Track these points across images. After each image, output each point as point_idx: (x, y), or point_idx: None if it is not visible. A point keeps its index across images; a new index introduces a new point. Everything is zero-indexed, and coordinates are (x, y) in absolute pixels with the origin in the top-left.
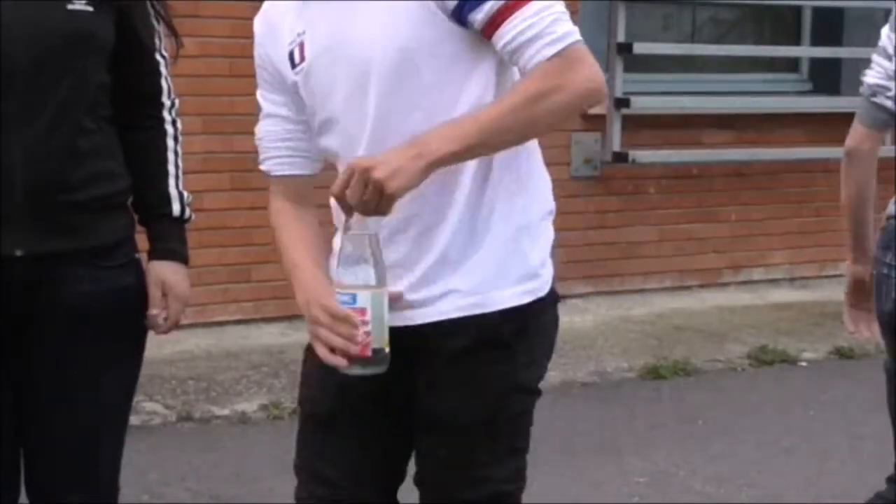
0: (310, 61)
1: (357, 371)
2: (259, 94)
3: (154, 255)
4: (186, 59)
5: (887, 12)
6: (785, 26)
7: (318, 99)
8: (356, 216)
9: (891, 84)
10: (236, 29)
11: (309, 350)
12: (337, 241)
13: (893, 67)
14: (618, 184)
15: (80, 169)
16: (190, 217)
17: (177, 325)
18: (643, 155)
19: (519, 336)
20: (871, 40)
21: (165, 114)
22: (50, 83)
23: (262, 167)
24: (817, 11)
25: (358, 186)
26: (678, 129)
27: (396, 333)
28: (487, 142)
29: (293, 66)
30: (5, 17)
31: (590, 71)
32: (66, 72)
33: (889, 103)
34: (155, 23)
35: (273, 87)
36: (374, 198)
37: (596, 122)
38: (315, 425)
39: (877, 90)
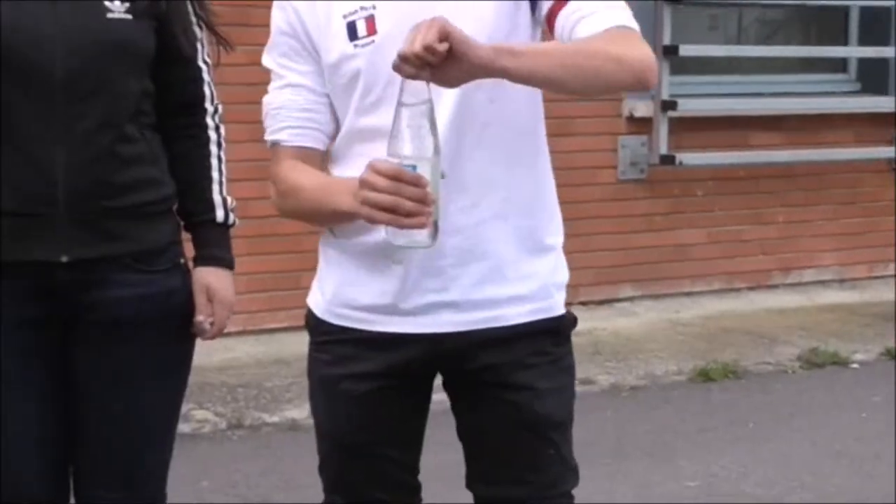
0: (383, 36)
1: (420, 242)
2: (275, 62)
3: (199, 261)
4: (234, 68)
5: None
6: (832, 26)
7: (381, 76)
8: (410, 84)
9: None
10: None
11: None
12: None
13: None
14: (665, 186)
15: (123, 175)
16: (234, 222)
17: (223, 331)
18: (690, 157)
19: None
20: None
21: (208, 120)
22: (90, 92)
23: (273, 136)
24: (865, 11)
25: (430, 32)
26: (725, 130)
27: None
28: (557, 79)
29: (353, 37)
30: (46, 27)
31: (650, 53)
32: (107, 80)
33: None
34: (197, 29)
35: (301, 57)
36: (439, 56)
37: (642, 125)
38: (342, 451)
39: None
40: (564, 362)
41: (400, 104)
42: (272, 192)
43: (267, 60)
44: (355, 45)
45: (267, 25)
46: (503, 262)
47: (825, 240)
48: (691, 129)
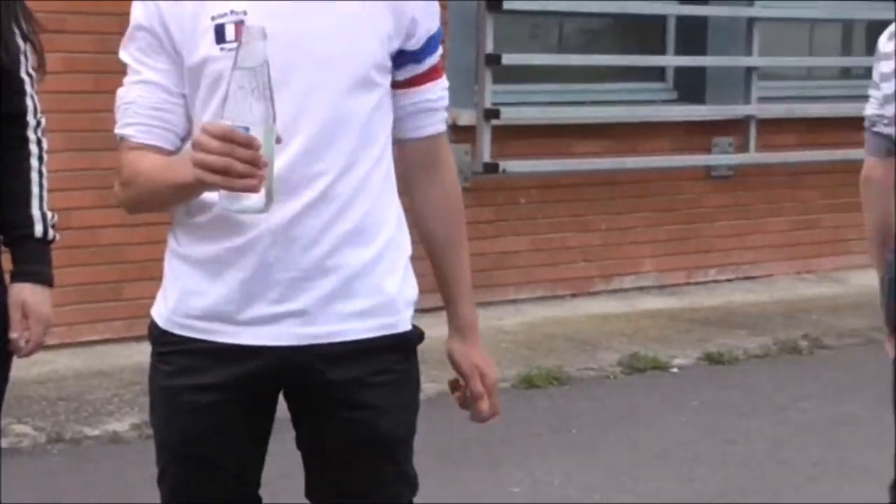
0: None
1: (252, 206)
2: (131, 57)
3: (15, 277)
4: (51, 76)
5: (749, 20)
6: (650, 36)
7: None
8: (247, 47)
9: (885, 111)
10: (103, 44)
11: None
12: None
13: (882, 94)
14: (489, 195)
15: None
16: (54, 238)
17: (40, 348)
18: (514, 165)
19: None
20: (734, 49)
21: (30, 133)
22: None
23: (122, 131)
24: (681, 20)
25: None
26: (548, 139)
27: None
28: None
29: (221, 40)
30: None
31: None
32: None
33: (888, 130)
34: (20, 41)
35: (158, 54)
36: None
37: (465, 134)
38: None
39: (875, 120)
40: (410, 378)
41: (235, 67)
42: (116, 186)
43: (123, 54)
44: (221, 49)
45: (84, 33)
46: (352, 276)
47: (645, 246)
48: (514, 137)
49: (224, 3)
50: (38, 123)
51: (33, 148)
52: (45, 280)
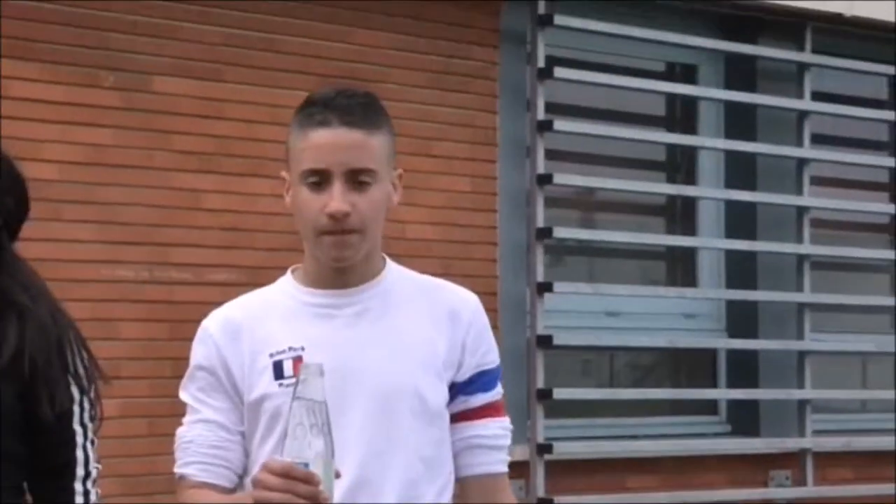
0: None
1: None
2: (191, 397)
3: None
4: (105, 421)
5: (801, 354)
6: (701, 369)
7: None
8: (306, 382)
9: None
10: (156, 388)
11: None
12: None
13: None
14: None
15: None
16: None
17: None
18: (568, 500)
19: None
20: (786, 380)
21: (77, 485)
22: None
23: (181, 470)
24: (732, 354)
25: None
26: (602, 473)
27: None
28: None
29: (279, 376)
30: None
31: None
32: None
33: None
34: (76, 391)
35: (217, 393)
36: None
37: (519, 469)
38: None
39: None
40: None
41: (294, 400)
42: None
43: (183, 394)
44: (280, 385)
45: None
46: None
47: None
48: (568, 472)
49: (282, 339)
50: (88, 474)
51: (79, 500)
52: None
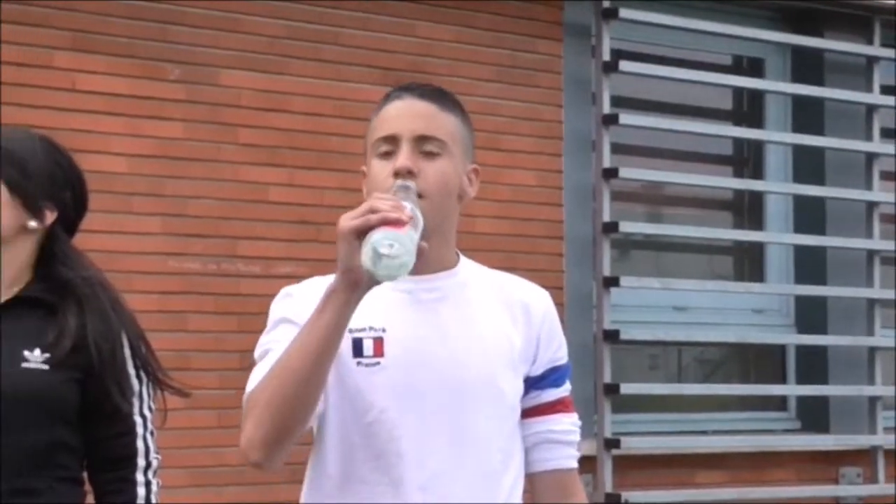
0: (390, 359)
1: (394, 262)
2: (268, 343)
3: None
4: (174, 413)
5: (871, 350)
6: (770, 365)
7: (380, 398)
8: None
9: None
10: (225, 381)
11: None
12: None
13: None
14: None
15: None
16: None
17: None
18: (636, 496)
19: None
20: (857, 379)
21: (138, 475)
22: None
23: (257, 355)
24: (801, 350)
25: None
26: (670, 469)
27: None
28: None
29: (358, 354)
30: None
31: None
32: (7, 429)
33: None
34: (136, 382)
35: None
36: None
37: (587, 465)
38: None
39: None
40: None
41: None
42: (242, 438)
43: (258, 350)
44: (358, 363)
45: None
46: None
47: None
48: (636, 467)
49: (361, 318)
50: (149, 465)
51: (140, 490)
52: None
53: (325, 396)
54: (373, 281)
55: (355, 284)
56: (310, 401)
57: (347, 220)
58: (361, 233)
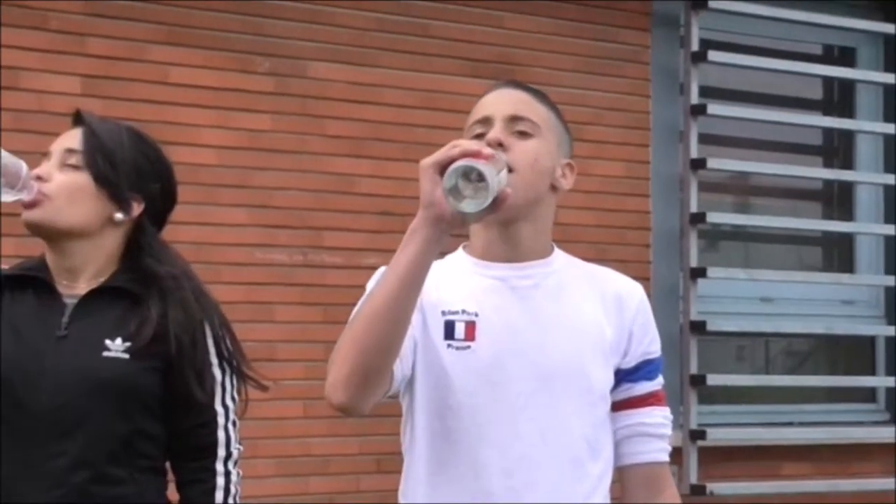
0: (480, 345)
1: (473, 201)
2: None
3: None
4: (261, 402)
5: None
6: (859, 356)
7: (469, 383)
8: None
9: None
10: (310, 371)
11: None
12: None
13: None
14: None
15: None
16: None
17: None
18: (721, 488)
19: None
20: None
21: (219, 465)
22: (71, 429)
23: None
24: (891, 341)
25: None
26: (756, 460)
27: None
28: None
29: (450, 336)
30: (43, 363)
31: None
32: (87, 419)
33: None
34: (218, 372)
35: None
36: None
37: (672, 456)
38: None
39: None
40: None
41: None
42: (329, 377)
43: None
44: (448, 345)
45: (292, 360)
46: None
47: None
48: (721, 458)
49: (455, 301)
50: (229, 455)
51: (220, 480)
52: None
53: (412, 370)
54: (455, 215)
55: (438, 219)
56: (394, 339)
57: (429, 157)
58: (443, 167)
